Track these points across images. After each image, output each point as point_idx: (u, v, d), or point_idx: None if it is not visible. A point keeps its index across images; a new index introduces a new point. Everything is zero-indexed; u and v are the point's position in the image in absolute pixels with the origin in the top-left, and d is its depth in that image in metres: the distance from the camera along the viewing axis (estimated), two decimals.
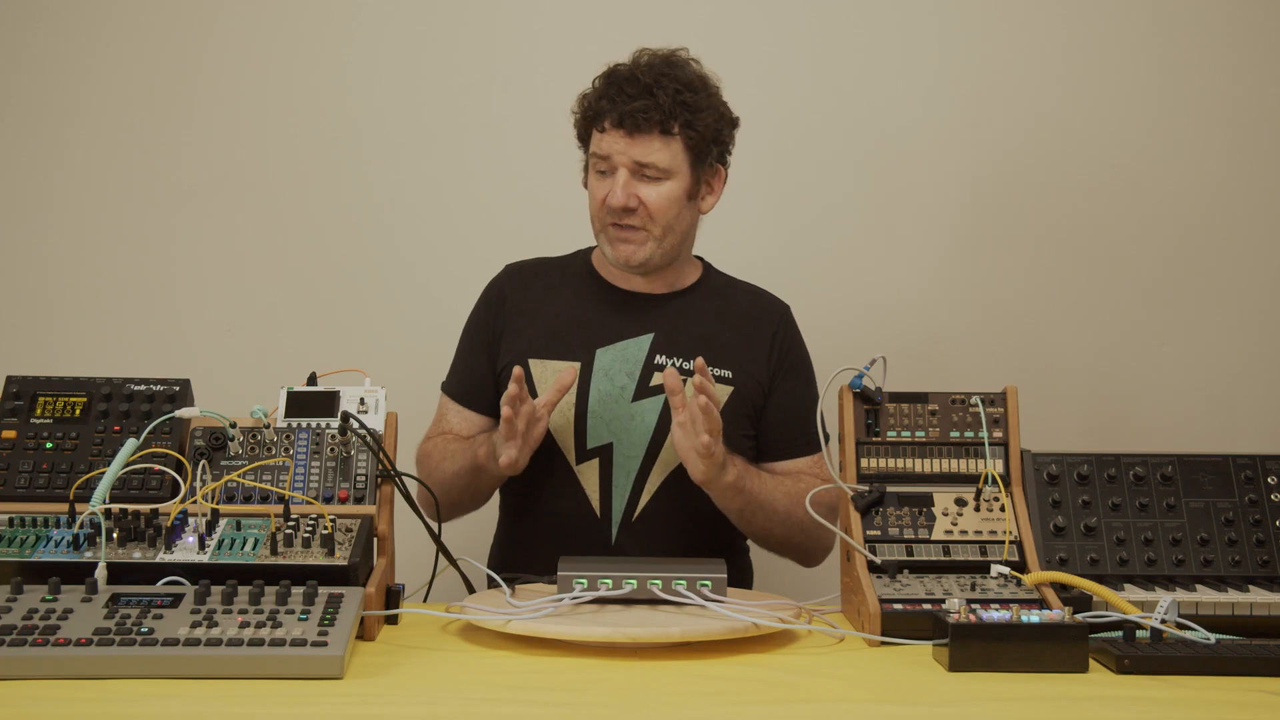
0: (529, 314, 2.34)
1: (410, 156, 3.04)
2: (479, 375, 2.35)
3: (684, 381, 2.26)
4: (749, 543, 2.41)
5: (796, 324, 2.40)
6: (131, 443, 1.87)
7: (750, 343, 2.33)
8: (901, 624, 1.79)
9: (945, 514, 1.97)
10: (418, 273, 3.03)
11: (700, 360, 2.01)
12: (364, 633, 1.75)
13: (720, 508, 2.18)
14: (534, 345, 2.30)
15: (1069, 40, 3.04)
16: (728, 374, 2.29)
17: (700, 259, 2.43)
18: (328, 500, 1.92)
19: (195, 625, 1.60)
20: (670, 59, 2.26)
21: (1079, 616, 1.72)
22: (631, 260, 2.26)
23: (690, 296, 2.36)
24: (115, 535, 1.79)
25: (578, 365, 2.18)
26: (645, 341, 2.30)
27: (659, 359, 2.28)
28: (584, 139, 2.30)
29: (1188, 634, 1.74)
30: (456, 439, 2.31)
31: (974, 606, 1.68)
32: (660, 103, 2.19)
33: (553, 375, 2.27)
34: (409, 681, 1.59)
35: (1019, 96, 3.03)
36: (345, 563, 1.77)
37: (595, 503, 2.24)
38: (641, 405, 2.25)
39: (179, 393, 2.02)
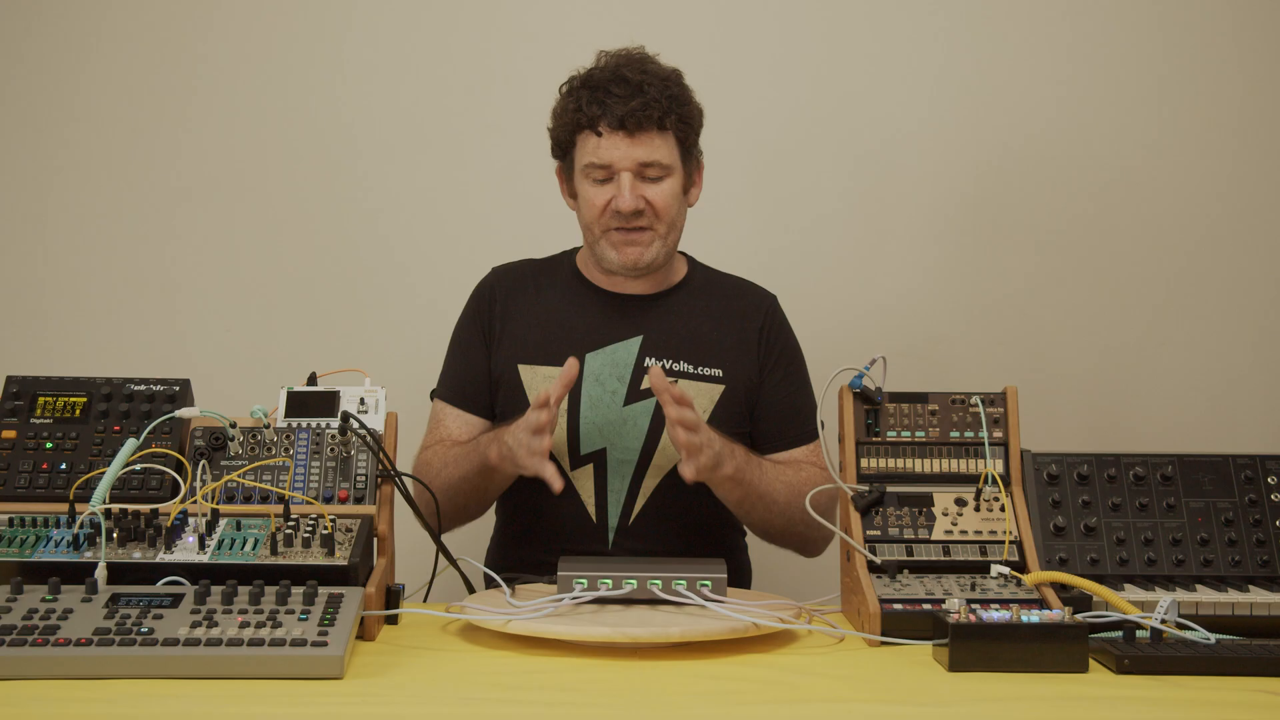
0: (518, 318, 2.33)
1: (407, 157, 3.04)
2: (475, 378, 2.33)
3: (675, 381, 2.26)
4: (747, 541, 2.41)
5: (784, 314, 2.38)
6: (131, 443, 1.87)
7: (738, 338, 2.32)
8: (901, 624, 1.79)
9: (945, 514, 1.97)
10: (416, 273, 3.03)
11: (657, 369, 1.98)
12: (364, 633, 1.75)
13: (719, 498, 2.17)
14: (524, 351, 2.29)
15: (1071, 41, 3.04)
16: (718, 372, 2.29)
17: (683, 254, 2.41)
18: (328, 500, 1.92)
19: (195, 625, 1.60)
20: (641, 56, 2.24)
21: (1079, 616, 1.72)
22: (640, 262, 2.25)
23: (677, 295, 2.35)
24: (115, 535, 1.79)
25: (577, 361, 2.14)
26: (634, 344, 2.29)
27: (648, 361, 2.28)
28: (565, 149, 2.26)
29: (1188, 634, 1.74)
30: (456, 444, 2.29)
31: (974, 606, 1.68)
32: (655, 98, 2.17)
33: (543, 382, 2.26)
34: (409, 681, 1.59)
35: (1020, 97, 3.03)
36: (345, 563, 1.77)
37: (591, 508, 2.24)
38: (633, 409, 2.25)
39: (179, 393, 2.02)
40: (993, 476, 1.98)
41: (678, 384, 2.25)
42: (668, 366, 2.27)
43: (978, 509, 1.97)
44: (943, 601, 1.78)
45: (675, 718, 1.49)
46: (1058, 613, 1.66)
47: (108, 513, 1.82)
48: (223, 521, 1.85)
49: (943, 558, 1.92)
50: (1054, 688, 1.58)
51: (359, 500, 1.93)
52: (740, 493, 2.15)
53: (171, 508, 1.84)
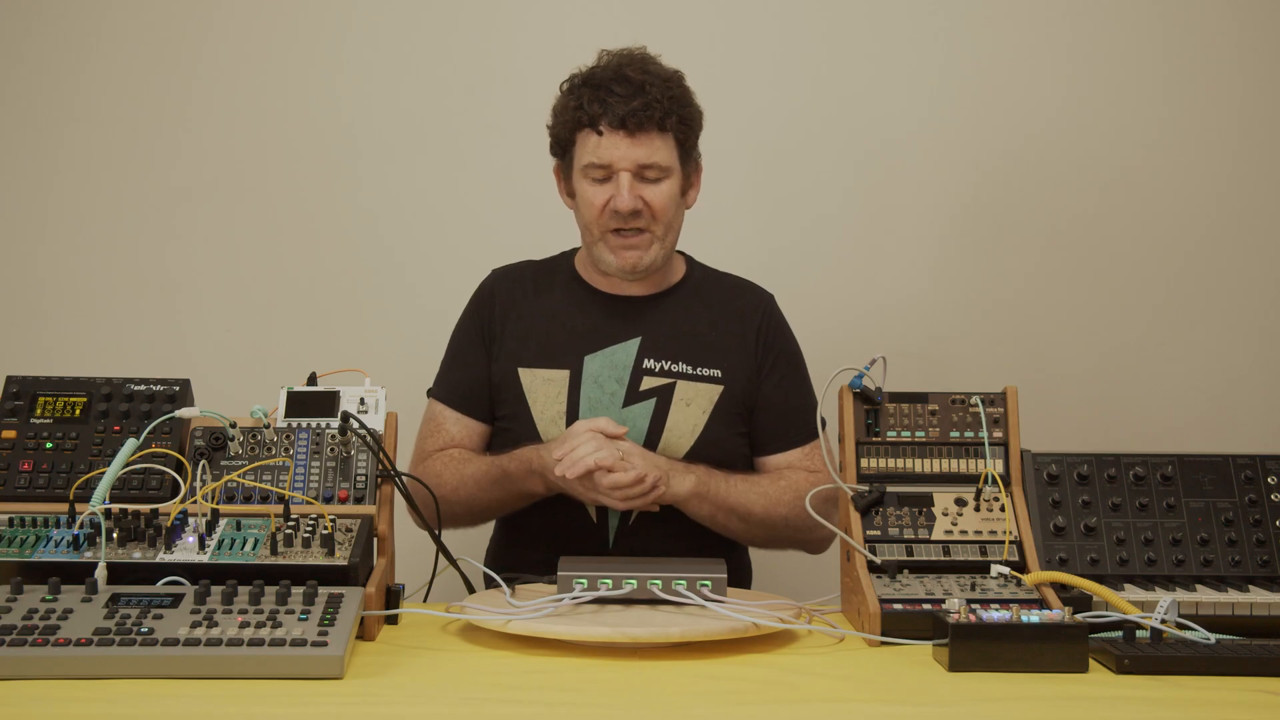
0: (517, 320, 2.32)
1: (407, 158, 3.04)
2: (475, 381, 2.32)
3: (673, 382, 2.26)
4: None
5: (781, 314, 2.38)
6: (131, 443, 1.87)
7: (737, 339, 2.32)
8: (901, 624, 1.79)
9: (945, 514, 1.97)
10: (416, 273, 3.03)
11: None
12: (364, 633, 1.75)
13: (690, 516, 2.18)
14: (523, 354, 2.29)
15: (1071, 41, 3.04)
16: (717, 373, 2.28)
17: (681, 253, 2.41)
18: (328, 500, 1.92)
19: (195, 625, 1.60)
20: (643, 56, 2.23)
21: (1079, 616, 1.72)
22: (638, 266, 2.24)
23: (675, 296, 2.34)
24: (115, 535, 1.79)
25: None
26: (633, 346, 2.29)
27: (647, 362, 2.27)
28: (565, 147, 2.25)
29: (1188, 634, 1.74)
30: (467, 457, 2.27)
31: (974, 606, 1.68)
32: (656, 99, 2.17)
33: (543, 384, 2.26)
34: (409, 681, 1.59)
35: (1021, 97, 3.03)
36: (345, 563, 1.77)
37: (592, 509, 2.24)
38: (632, 411, 2.25)
39: (179, 393, 2.02)
40: (993, 476, 1.98)
41: (676, 384, 2.26)
42: (666, 367, 2.27)
43: (978, 509, 1.97)
44: (943, 601, 1.78)
45: (675, 718, 1.49)
46: (1058, 613, 1.66)
47: (108, 513, 1.82)
48: (223, 521, 1.85)
49: (943, 558, 1.92)
50: (1054, 688, 1.58)
51: (359, 500, 1.93)
52: (710, 508, 2.17)
53: (171, 508, 1.84)
